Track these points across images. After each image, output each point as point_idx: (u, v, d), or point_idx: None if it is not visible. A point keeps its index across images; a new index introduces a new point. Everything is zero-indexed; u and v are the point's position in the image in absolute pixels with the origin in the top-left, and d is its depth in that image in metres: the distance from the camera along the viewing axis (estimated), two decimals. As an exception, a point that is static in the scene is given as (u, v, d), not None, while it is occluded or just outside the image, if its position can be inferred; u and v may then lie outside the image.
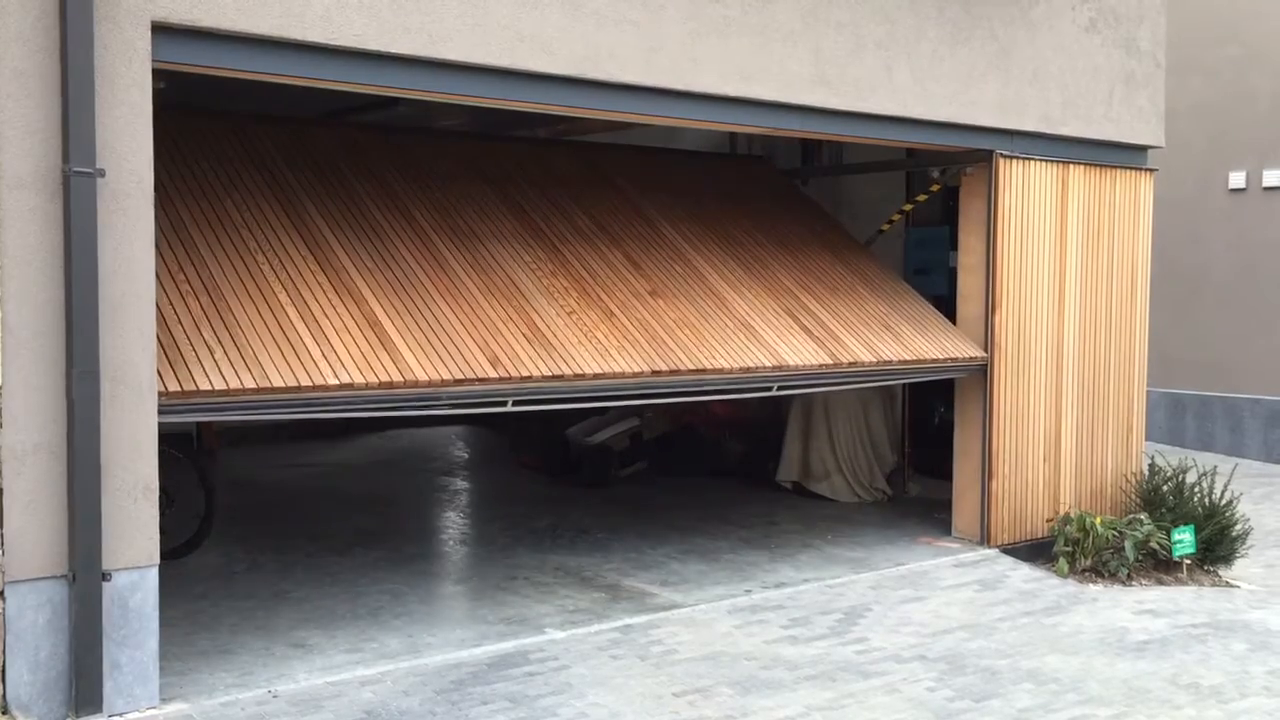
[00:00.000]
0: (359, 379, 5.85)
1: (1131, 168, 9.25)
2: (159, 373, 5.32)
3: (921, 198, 9.65)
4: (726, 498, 10.17)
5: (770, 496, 10.25)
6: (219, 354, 5.64)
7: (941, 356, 8.23)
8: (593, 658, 6.15)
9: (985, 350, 8.48)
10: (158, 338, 5.41)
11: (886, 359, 7.95)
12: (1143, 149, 9.33)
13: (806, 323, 7.92)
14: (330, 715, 5.32)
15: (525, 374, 6.35)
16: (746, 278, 8.12)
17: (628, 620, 6.75)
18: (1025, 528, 8.75)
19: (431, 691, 5.63)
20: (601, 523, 9.19)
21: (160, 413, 5.26)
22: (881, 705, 5.75)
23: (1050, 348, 8.82)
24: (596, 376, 6.63)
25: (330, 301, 6.25)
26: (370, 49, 5.70)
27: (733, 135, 10.50)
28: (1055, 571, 8.17)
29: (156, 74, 5.22)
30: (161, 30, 5.16)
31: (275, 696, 5.51)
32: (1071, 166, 8.85)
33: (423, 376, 6.02)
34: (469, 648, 6.24)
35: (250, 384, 5.56)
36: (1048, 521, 8.76)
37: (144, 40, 5.10)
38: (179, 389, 5.37)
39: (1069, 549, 8.29)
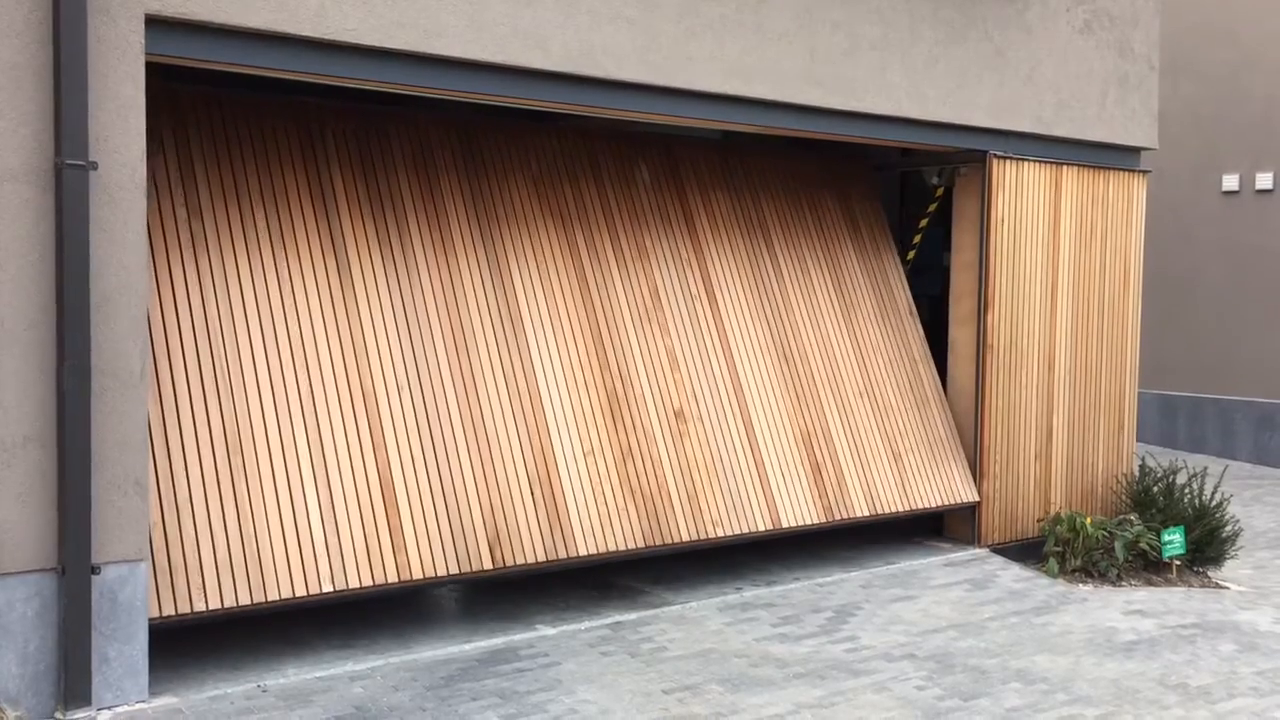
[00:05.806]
0: (355, 583, 5.93)
1: (1124, 169, 9.27)
2: (155, 589, 5.33)
3: (932, 207, 9.65)
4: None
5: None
6: (221, 553, 5.59)
7: (935, 505, 8.39)
8: (583, 654, 6.16)
9: (977, 349, 8.51)
10: (162, 529, 5.43)
11: (880, 511, 8.09)
12: (1136, 151, 9.35)
13: (819, 455, 7.93)
14: (320, 710, 5.32)
15: (521, 561, 6.48)
16: (782, 381, 7.97)
17: (618, 617, 6.76)
18: (1016, 528, 8.77)
19: (421, 687, 5.63)
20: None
21: (150, 630, 5.27)
22: (870, 703, 5.76)
23: (1042, 348, 8.84)
24: (591, 555, 6.75)
25: (349, 446, 6.15)
26: (365, 44, 5.70)
27: (726, 133, 10.49)
28: (1045, 571, 8.19)
29: (150, 67, 5.22)
30: (155, 23, 5.16)
31: (264, 691, 5.51)
32: (1065, 167, 8.87)
33: (418, 574, 6.13)
34: (459, 643, 6.25)
35: (246, 600, 5.61)
36: (1038, 521, 8.79)
37: (137, 33, 5.10)
38: (174, 612, 5.38)
39: (1059, 549, 8.32)
